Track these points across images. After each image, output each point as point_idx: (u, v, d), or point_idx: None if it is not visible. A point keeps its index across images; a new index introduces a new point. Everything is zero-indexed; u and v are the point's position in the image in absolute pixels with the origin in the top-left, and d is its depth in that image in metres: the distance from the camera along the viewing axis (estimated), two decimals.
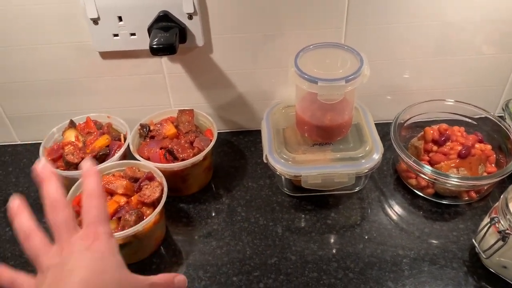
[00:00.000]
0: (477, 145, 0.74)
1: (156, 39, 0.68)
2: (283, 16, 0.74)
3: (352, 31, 0.76)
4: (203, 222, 0.74)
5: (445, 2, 0.73)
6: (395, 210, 0.74)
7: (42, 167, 0.44)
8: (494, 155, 0.76)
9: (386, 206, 0.75)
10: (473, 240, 0.65)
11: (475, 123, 0.80)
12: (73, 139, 0.77)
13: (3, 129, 0.88)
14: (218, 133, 0.89)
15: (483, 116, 0.79)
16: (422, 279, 0.64)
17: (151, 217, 0.63)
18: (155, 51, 0.68)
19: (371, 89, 0.84)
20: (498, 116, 0.78)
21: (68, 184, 0.65)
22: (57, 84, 0.81)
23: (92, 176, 0.45)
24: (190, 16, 0.72)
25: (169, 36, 0.69)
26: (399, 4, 0.73)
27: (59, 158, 0.74)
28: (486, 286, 0.63)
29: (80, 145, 0.75)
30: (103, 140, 0.75)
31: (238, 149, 0.87)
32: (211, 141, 0.74)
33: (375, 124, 0.77)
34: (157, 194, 0.66)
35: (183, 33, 0.73)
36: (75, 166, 0.72)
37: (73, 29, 0.74)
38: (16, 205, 0.44)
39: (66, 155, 0.72)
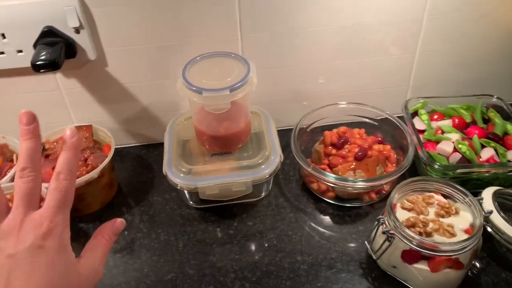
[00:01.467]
0: (376, 146, 0.75)
1: (37, 56, 0.66)
2: (177, 27, 0.73)
3: (248, 39, 0.76)
4: None
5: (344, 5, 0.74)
6: (298, 215, 0.74)
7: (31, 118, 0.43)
8: (394, 155, 0.77)
9: (289, 212, 0.74)
10: (366, 242, 0.65)
11: (376, 124, 0.81)
12: None
13: None
14: (127, 147, 0.87)
15: (383, 117, 0.80)
16: (318, 285, 0.64)
17: None
18: (37, 68, 0.66)
19: (281, 95, 0.85)
20: (399, 116, 0.79)
21: None
22: None
23: (72, 150, 0.43)
24: (77, 30, 0.70)
25: (52, 52, 0.67)
26: (291, 11, 0.74)
27: None
28: (380, 286, 0.63)
29: None
30: None
31: (146, 162, 0.85)
32: (107, 157, 0.72)
33: (288, 130, 0.77)
34: None
35: (71, 47, 0.71)
36: None
37: None
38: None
39: None
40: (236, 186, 0.69)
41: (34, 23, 0.68)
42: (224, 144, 0.72)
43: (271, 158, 0.71)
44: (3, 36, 0.69)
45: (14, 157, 0.74)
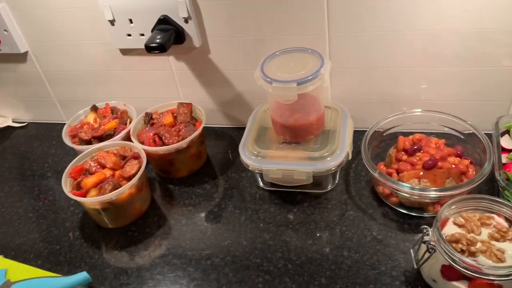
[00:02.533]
0: (451, 159, 0.72)
1: (151, 39, 0.79)
2: (270, 23, 0.80)
3: (336, 38, 0.79)
4: (181, 203, 0.83)
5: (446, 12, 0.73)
6: (357, 214, 0.75)
7: None
8: (473, 172, 0.73)
9: (349, 210, 0.76)
10: (411, 249, 0.64)
11: (462, 137, 0.77)
12: (91, 121, 0.92)
13: (54, 110, 1.08)
14: (223, 127, 0.98)
15: (471, 131, 0.76)
16: (356, 281, 0.65)
17: (124, 188, 0.74)
18: (149, 49, 0.79)
19: (373, 96, 0.86)
20: (487, 133, 0.74)
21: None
22: (89, 75, 0.98)
23: None
24: (186, 20, 0.82)
25: (162, 37, 0.80)
26: (380, 12, 0.74)
27: (76, 135, 0.89)
28: None
29: (96, 126, 0.90)
30: (112, 124, 0.88)
31: (235, 143, 0.95)
32: (196, 131, 0.83)
33: (375, 132, 0.79)
34: (133, 171, 0.77)
35: (180, 35, 0.83)
36: (86, 142, 0.86)
37: (99, 29, 0.89)
38: None
39: (80, 133, 0.87)
40: (297, 174, 0.74)
41: (154, 12, 0.82)
42: (294, 134, 0.77)
43: (337, 153, 0.74)
44: (131, 21, 0.85)
45: (127, 121, 0.90)
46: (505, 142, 0.72)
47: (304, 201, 0.79)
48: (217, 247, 0.74)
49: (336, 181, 0.80)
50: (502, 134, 0.74)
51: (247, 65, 0.87)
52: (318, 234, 0.73)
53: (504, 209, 0.60)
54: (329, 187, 0.79)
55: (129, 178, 0.77)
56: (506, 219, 0.60)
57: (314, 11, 0.77)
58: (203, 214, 0.80)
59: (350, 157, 0.75)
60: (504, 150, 0.71)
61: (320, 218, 0.75)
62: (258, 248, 0.72)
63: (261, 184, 0.83)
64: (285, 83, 0.68)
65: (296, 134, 0.77)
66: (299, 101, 0.70)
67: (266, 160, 0.75)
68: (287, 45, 0.78)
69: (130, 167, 0.78)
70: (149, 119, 0.89)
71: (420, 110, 0.79)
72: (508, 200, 0.66)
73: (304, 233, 0.73)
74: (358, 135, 0.85)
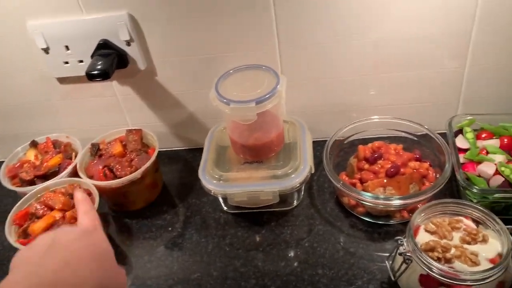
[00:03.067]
0: (411, 164, 0.73)
1: (91, 66, 0.74)
2: (217, 40, 0.77)
3: (287, 51, 0.78)
4: (141, 237, 0.78)
5: (376, 19, 0.73)
6: (326, 228, 0.74)
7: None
8: (433, 174, 0.74)
9: (318, 224, 0.75)
10: (387, 261, 0.64)
11: (416, 139, 0.78)
12: (32, 158, 0.84)
13: None
14: (176, 150, 0.94)
15: (424, 133, 0.77)
16: None
17: None
18: (90, 77, 0.73)
19: (326, 107, 0.85)
20: (439, 133, 0.76)
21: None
22: (25, 107, 0.90)
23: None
24: (128, 43, 0.77)
25: (104, 62, 0.74)
26: (332, 23, 0.74)
27: (16, 175, 0.81)
28: None
29: (38, 163, 0.82)
30: (56, 159, 0.81)
31: (191, 166, 0.91)
32: (149, 159, 0.78)
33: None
34: None
35: (123, 58, 0.78)
36: (28, 183, 0.79)
37: (32, 58, 0.81)
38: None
39: (20, 173, 0.79)
40: (263, 194, 0.71)
41: (92, 37, 0.76)
42: (255, 153, 0.74)
43: (301, 169, 0.72)
44: (67, 48, 0.78)
45: (73, 155, 0.83)
46: (460, 142, 0.74)
47: (271, 221, 0.76)
48: (186, 282, 0.69)
49: (301, 196, 0.79)
50: (456, 134, 0.75)
51: (197, 85, 0.84)
52: (290, 254, 0.71)
53: (470, 211, 0.61)
54: (295, 203, 0.78)
55: None
56: (473, 220, 0.61)
57: (263, 26, 0.75)
58: (166, 247, 0.75)
59: (313, 171, 0.74)
60: (460, 150, 0.73)
61: (290, 236, 0.74)
62: (230, 278, 0.69)
63: (224, 207, 0.79)
64: (244, 103, 0.65)
65: (257, 153, 0.74)
66: (258, 120, 0.68)
67: (229, 183, 0.72)
68: (237, 62, 0.75)
69: None
70: (96, 150, 0.83)
71: (377, 116, 0.79)
72: (471, 200, 0.67)
73: (276, 255, 0.71)
74: (315, 146, 0.84)
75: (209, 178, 0.74)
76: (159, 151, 0.81)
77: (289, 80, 0.77)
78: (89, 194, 0.74)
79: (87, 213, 0.55)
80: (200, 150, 0.92)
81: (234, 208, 0.78)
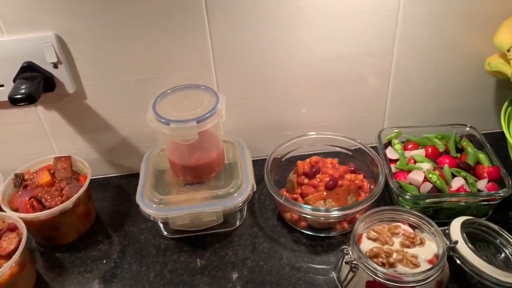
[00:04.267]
0: (347, 176, 0.76)
1: (15, 90, 0.69)
2: (152, 60, 0.76)
3: (223, 71, 0.78)
4: (75, 272, 0.72)
5: (312, 39, 0.76)
6: (270, 246, 0.74)
7: None
8: (368, 185, 0.77)
9: (262, 242, 0.75)
10: (333, 272, 0.65)
11: (351, 154, 0.82)
12: None
13: None
14: (108, 177, 0.89)
15: (358, 147, 0.81)
16: None
17: (4, 268, 0.62)
18: (14, 101, 0.68)
19: (262, 126, 0.86)
20: (371, 146, 0.80)
21: None
22: None
23: None
24: (55, 65, 0.73)
25: (29, 86, 0.69)
26: (264, 43, 0.76)
27: None
28: None
29: None
30: None
31: (126, 192, 0.87)
32: (81, 187, 0.73)
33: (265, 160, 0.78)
34: (12, 246, 0.65)
35: (50, 81, 0.74)
36: None
37: None
38: None
39: None
40: (207, 215, 0.70)
41: (15, 59, 0.71)
42: (196, 174, 0.73)
43: (243, 188, 0.72)
44: None
45: None
46: (390, 153, 0.79)
47: (214, 243, 0.75)
48: None
49: (244, 215, 0.78)
50: (386, 146, 0.80)
51: (130, 108, 0.81)
52: (236, 275, 0.69)
53: (406, 216, 0.65)
54: (238, 223, 0.77)
55: (8, 256, 0.64)
56: (410, 225, 0.64)
57: (198, 46, 0.75)
58: (104, 280, 0.70)
59: (255, 189, 0.74)
60: (391, 160, 0.77)
61: (235, 257, 0.72)
62: None
63: (165, 233, 0.76)
64: (184, 123, 0.64)
65: (198, 174, 0.73)
66: (198, 139, 0.67)
67: (170, 206, 0.70)
68: (173, 83, 0.74)
69: (8, 242, 0.65)
70: (20, 181, 0.76)
71: (314, 132, 0.82)
72: (404, 207, 0.71)
73: (222, 277, 0.69)
74: (254, 164, 0.84)
75: (148, 202, 0.71)
76: (91, 179, 0.76)
77: (226, 100, 0.77)
78: (15, 228, 0.68)
79: None
80: (134, 176, 0.89)
81: (175, 232, 0.75)
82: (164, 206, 0.70)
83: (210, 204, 0.70)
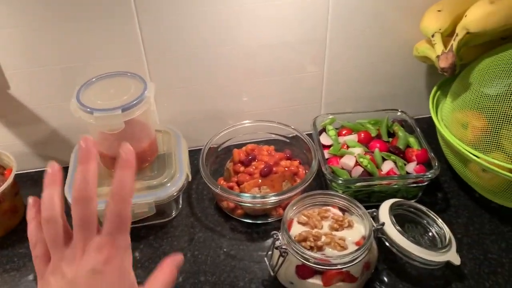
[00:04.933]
0: (283, 162, 0.76)
1: None
2: (79, 48, 0.73)
3: (154, 59, 0.76)
4: (1, 269, 0.69)
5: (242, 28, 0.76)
6: (206, 235, 0.73)
7: (88, 144, 0.39)
8: (303, 171, 0.78)
9: (198, 232, 0.74)
10: (265, 258, 0.65)
11: (288, 141, 0.82)
12: None
13: None
14: (40, 171, 0.85)
15: (294, 134, 0.81)
16: None
17: None
18: None
19: (200, 114, 0.85)
20: (307, 133, 0.80)
21: None
22: None
23: (129, 168, 0.40)
24: None
25: None
26: (197, 31, 0.74)
27: None
28: None
29: None
30: None
31: None
32: (5, 182, 0.70)
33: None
34: None
35: None
36: None
37: None
38: (55, 170, 0.40)
39: None
40: (138, 207, 0.68)
41: None
42: None
43: (176, 177, 0.71)
44: None
45: None
46: (324, 139, 0.79)
47: (149, 235, 0.73)
48: None
49: (180, 206, 0.77)
50: (320, 133, 0.81)
51: (59, 98, 0.77)
52: None
53: (336, 200, 0.66)
54: (174, 214, 0.76)
55: None
56: (340, 209, 0.65)
57: (126, 33, 0.72)
58: (33, 278, 0.67)
59: (190, 179, 0.73)
60: (325, 146, 0.78)
61: (170, 248, 0.71)
62: None
63: None
64: (109, 111, 0.62)
65: None
66: (127, 129, 0.65)
67: (101, 199, 0.67)
68: (103, 71, 0.71)
69: None
70: None
71: (248, 121, 0.81)
72: (337, 191, 0.72)
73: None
74: (193, 154, 0.84)
75: None
76: (19, 173, 0.73)
77: (159, 88, 0.75)
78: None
79: (116, 220, 0.39)
80: (66, 169, 0.86)
81: None
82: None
83: (141, 196, 0.68)
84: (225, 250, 0.71)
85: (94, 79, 0.68)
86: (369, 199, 0.74)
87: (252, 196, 0.70)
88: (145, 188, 0.69)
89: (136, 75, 0.69)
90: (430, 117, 0.77)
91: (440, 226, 0.67)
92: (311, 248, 0.59)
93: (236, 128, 0.81)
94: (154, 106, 0.67)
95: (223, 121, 0.87)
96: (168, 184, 0.70)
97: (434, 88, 0.80)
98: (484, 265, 0.66)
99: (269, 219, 0.74)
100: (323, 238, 0.60)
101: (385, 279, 0.66)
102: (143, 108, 0.65)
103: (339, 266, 0.57)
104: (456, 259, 0.62)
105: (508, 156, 0.65)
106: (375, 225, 0.62)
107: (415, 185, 0.72)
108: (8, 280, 0.67)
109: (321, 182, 0.80)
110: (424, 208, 0.69)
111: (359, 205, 0.63)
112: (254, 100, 0.86)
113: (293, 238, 0.59)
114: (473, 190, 0.76)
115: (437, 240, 0.67)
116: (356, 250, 0.57)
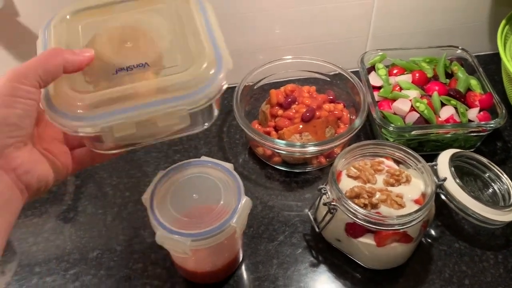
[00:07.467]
0: (326, 106, 0.68)
1: None
2: None
3: None
4: (21, 216, 0.64)
5: None
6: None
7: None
8: (348, 115, 0.70)
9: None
10: (309, 212, 0.60)
11: (329, 80, 0.73)
12: None
13: None
14: None
15: (336, 72, 0.72)
16: (257, 259, 0.58)
17: None
18: None
19: (227, 48, 0.75)
20: (355, 71, 0.71)
21: None
22: None
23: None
24: None
25: None
26: None
27: None
28: (324, 261, 0.58)
29: None
30: None
31: None
32: None
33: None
34: None
35: None
36: None
37: None
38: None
39: None
40: (164, 119, 0.40)
41: None
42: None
43: (215, 66, 0.40)
44: None
45: None
46: (373, 79, 0.70)
47: None
48: (84, 262, 0.59)
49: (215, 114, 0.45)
50: (369, 72, 0.72)
51: None
52: None
53: (390, 151, 0.58)
54: (199, 128, 0.43)
55: None
56: (394, 161, 0.58)
57: None
58: (55, 224, 0.63)
59: (231, 67, 0.42)
60: (374, 88, 0.69)
61: None
62: (137, 251, 0.60)
63: (97, 151, 0.43)
64: None
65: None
66: None
67: (100, 109, 0.38)
68: None
69: None
70: None
71: (290, 57, 0.72)
72: (387, 139, 0.65)
73: None
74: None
75: (58, 107, 0.37)
76: None
77: None
78: None
79: None
80: None
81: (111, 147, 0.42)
82: (88, 111, 0.37)
83: (169, 100, 0.38)
84: (261, 200, 0.65)
85: None
86: (421, 148, 0.66)
87: (291, 144, 0.62)
88: (174, 87, 0.39)
89: None
90: (492, 56, 0.67)
91: (503, 182, 0.60)
92: (365, 206, 0.52)
93: (272, 64, 0.72)
94: None
95: (254, 57, 0.77)
96: (204, 81, 0.39)
97: (503, 22, 0.69)
98: None
99: (308, 168, 0.68)
100: (378, 195, 0.53)
101: (440, 237, 0.60)
102: None
103: (396, 227, 0.51)
104: None
105: None
106: (437, 181, 0.55)
107: (475, 134, 0.64)
108: (31, 228, 0.63)
109: (365, 129, 0.72)
110: (486, 161, 0.62)
111: (419, 157, 0.56)
112: (288, 33, 0.76)
113: (344, 193, 0.53)
114: None
115: (498, 197, 0.61)
116: (418, 210, 0.50)
